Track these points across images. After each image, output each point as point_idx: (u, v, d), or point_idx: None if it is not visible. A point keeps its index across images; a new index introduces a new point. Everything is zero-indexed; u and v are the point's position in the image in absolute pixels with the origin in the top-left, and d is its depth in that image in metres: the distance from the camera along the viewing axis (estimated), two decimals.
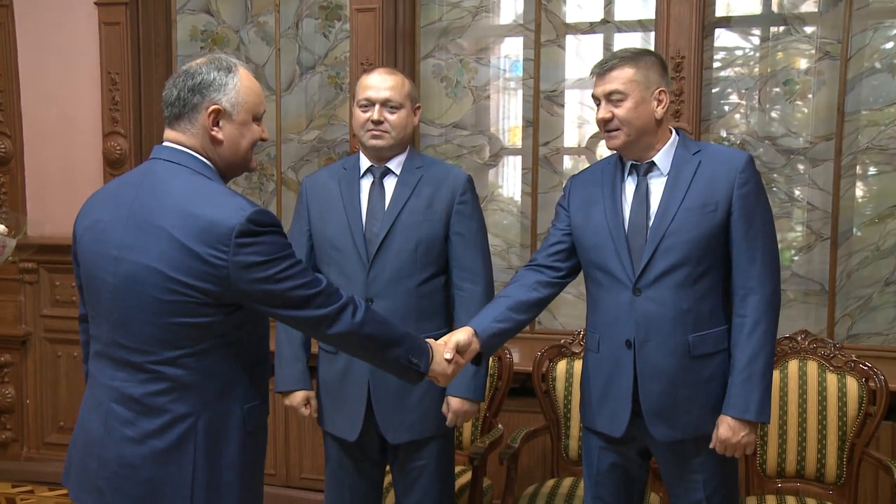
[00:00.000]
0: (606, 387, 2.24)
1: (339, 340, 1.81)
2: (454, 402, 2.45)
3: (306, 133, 4.09)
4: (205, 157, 1.76)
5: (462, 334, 2.15)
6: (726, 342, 2.18)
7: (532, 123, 3.80)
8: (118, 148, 4.03)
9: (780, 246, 2.23)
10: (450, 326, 2.52)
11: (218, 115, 1.74)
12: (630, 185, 2.23)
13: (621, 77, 2.14)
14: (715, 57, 3.57)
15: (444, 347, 2.08)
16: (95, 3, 3.98)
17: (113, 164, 4.04)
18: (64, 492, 3.99)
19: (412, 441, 2.49)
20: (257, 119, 1.82)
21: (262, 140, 1.85)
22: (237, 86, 1.75)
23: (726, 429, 2.12)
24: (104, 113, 4.05)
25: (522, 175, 3.86)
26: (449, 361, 2.06)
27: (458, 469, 2.82)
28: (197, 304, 1.65)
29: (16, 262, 3.87)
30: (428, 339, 2.03)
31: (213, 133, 1.74)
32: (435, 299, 2.50)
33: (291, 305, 1.71)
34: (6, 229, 2.51)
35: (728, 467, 2.24)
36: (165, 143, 1.78)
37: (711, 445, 2.16)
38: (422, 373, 1.94)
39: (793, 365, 2.81)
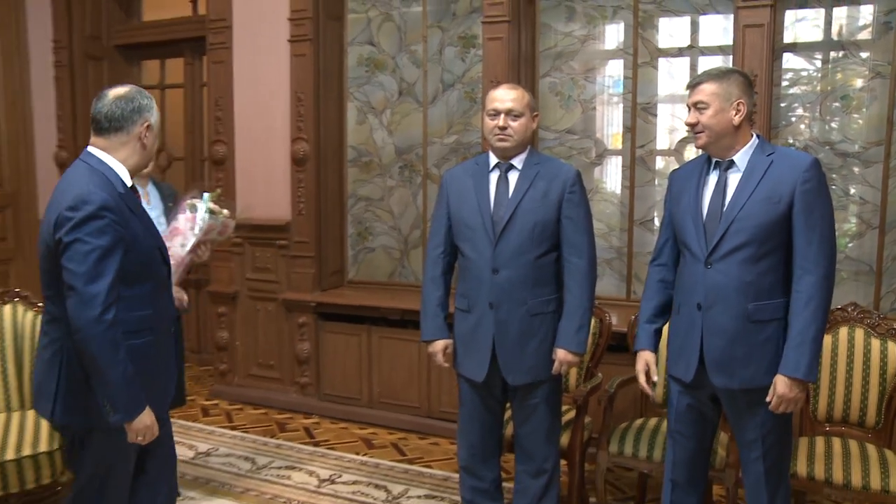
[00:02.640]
0: (683, 341, 2.35)
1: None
2: (561, 353, 2.55)
3: (447, 137, 4.27)
4: (119, 160, 2.08)
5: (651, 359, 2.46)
6: (782, 313, 2.23)
7: (630, 130, 3.87)
8: (302, 150, 4.27)
9: (836, 234, 2.20)
10: (560, 293, 2.61)
11: (148, 129, 2.14)
12: (713, 179, 2.32)
13: (706, 91, 2.24)
14: (783, 77, 3.60)
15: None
16: (288, 41, 4.30)
17: (298, 162, 4.31)
18: (264, 410, 4.35)
19: (528, 383, 2.59)
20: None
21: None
22: (154, 109, 2.18)
23: (784, 385, 2.16)
24: (292, 123, 4.32)
25: (622, 172, 3.93)
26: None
27: (563, 408, 2.89)
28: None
29: (230, 239, 4.14)
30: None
31: (144, 140, 2.13)
32: (548, 271, 2.57)
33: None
34: (229, 213, 2.76)
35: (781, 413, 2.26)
36: (90, 149, 2.10)
37: (768, 399, 2.19)
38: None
39: (843, 331, 2.88)
